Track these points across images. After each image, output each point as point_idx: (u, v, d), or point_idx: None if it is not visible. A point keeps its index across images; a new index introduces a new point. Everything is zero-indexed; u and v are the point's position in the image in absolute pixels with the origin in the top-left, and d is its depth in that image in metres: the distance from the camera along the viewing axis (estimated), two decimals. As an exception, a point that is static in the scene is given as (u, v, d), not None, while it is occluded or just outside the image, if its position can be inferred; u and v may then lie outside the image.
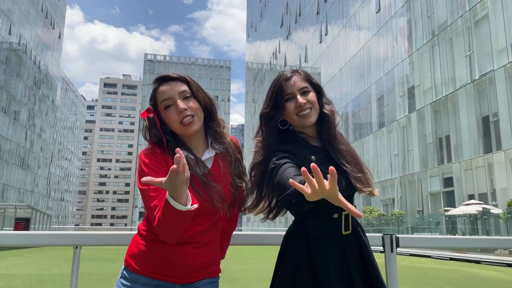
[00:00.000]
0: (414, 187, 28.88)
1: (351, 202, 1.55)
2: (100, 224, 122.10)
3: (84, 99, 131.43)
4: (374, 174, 34.34)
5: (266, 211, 1.63)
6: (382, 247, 2.24)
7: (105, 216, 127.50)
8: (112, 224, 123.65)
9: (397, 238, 2.24)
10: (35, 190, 64.47)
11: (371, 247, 1.60)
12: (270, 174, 1.43)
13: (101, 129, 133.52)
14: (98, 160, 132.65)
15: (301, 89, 1.55)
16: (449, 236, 2.33)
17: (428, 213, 26.78)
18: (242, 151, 1.67)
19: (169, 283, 1.44)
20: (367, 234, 1.63)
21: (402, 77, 31.28)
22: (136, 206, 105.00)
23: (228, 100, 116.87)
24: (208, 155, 1.53)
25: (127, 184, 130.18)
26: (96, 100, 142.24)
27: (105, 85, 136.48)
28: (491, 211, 19.82)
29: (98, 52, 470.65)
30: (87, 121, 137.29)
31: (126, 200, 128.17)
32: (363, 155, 36.61)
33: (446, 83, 26.06)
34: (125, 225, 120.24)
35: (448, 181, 25.55)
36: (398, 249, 2.22)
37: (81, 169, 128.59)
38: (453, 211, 21.53)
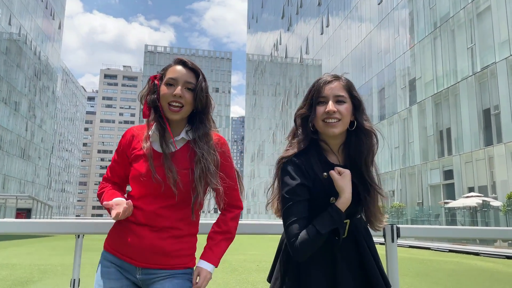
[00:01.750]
0: (414, 180, 28.92)
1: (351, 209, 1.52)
2: (101, 215, 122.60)
3: (85, 90, 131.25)
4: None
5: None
6: (383, 238, 2.26)
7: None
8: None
9: (398, 229, 2.26)
10: (36, 181, 64.64)
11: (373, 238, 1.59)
12: (282, 200, 1.47)
13: (101, 121, 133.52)
14: (99, 151, 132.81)
15: (336, 97, 1.49)
16: (449, 227, 2.35)
17: (428, 206, 26.85)
18: (228, 159, 1.66)
19: (129, 264, 1.53)
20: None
21: (403, 69, 31.17)
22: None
23: (229, 92, 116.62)
24: (183, 136, 1.60)
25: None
26: (97, 91, 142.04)
27: (106, 76, 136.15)
28: (491, 203, 19.87)
29: (98, 43, 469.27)
30: (88, 112, 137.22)
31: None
32: (364, 148, 36.59)
33: (448, 75, 25.97)
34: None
35: (448, 174, 25.58)
36: (398, 240, 2.23)
37: (82, 160, 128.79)
38: (453, 204, 21.58)
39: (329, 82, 1.50)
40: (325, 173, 1.46)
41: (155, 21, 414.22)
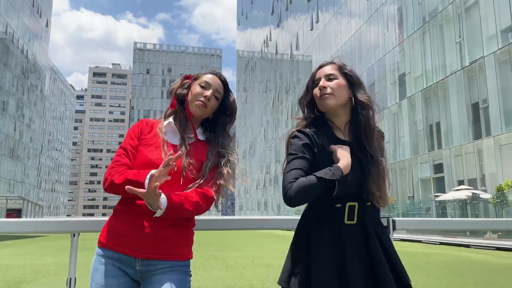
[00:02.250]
0: (405, 174, 29.18)
1: (357, 198, 1.56)
2: (92, 215, 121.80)
3: (73, 88, 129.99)
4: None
5: None
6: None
7: (97, 207, 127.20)
8: (104, 214, 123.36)
9: (393, 221, 2.28)
10: (25, 181, 63.98)
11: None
12: (287, 158, 1.58)
13: (91, 119, 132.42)
14: (89, 150, 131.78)
15: (327, 75, 1.63)
16: (443, 219, 2.38)
17: (418, 199, 27.12)
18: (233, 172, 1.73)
19: (128, 257, 1.51)
20: None
21: (393, 64, 31.36)
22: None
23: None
24: (199, 133, 1.74)
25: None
26: (86, 90, 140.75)
27: (94, 74, 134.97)
28: (481, 196, 20.15)
29: (86, 41, 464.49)
30: (77, 111, 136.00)
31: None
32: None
33: (437, 70, 26.20)
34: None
35: (438, 167, 25.85)
36: (394, 233, 2.26)
37: (72, 160, 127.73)
38: (443, 197, 21.84)
39: (322, 66, 1.66)
40: (332, 145, 1.55)
41: (144, 18, 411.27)
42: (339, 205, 1.52)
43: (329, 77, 1.61)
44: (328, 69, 1.64)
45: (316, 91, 1.62)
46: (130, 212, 1.55)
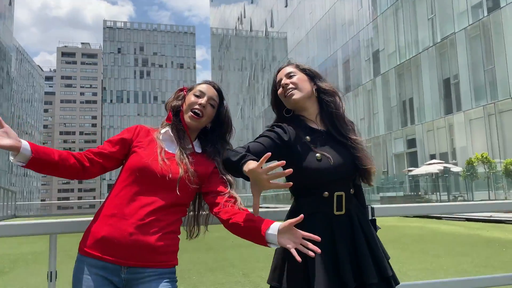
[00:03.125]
0: (380, 149, 29.81)
1: (353, 184, 1.63)
2: (67, 198, 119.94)
3: (41, 69, 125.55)
4: (341, 138, 35.10)
5: None
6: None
7: (72, 190, 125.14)
8: (80, 198, 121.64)
9: (372, 209, 2.35)
10: (-5, 167, 62.17)
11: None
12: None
13: (61, 101, 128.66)
14: (61, 133, 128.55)
15: (287, 74, 1.69)
16: (420, 204, 2.48)
17: (393, 174, 27.85)
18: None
19: (113, 265, 1.45)
20: None
21: (367, 41, 31.54)
22: (104, 179, 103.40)
23: (194, 67, 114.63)
24: (196, 146, 1.73)
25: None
26: (54, 71, 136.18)
27: (63, 54, 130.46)
28: (452, 169, 20.84)
29: (52, 19, 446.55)
30: (46, 93, 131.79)
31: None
32: (330, 120, 37.17)
33: (410, 46, 26.53)
34: (94, 198, 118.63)
35: (411, 142, 26.51)
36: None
37: (44, 143, 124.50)
38: (416, 171, 22.49)
39: (280, 69, 1.73)
40: (307, 137, 1.58)
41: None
42: (326, 194, 1.53)
43: (289, 75, 1.68)
44: (286, 70, 1.71)
45: (280, 91, 1.68)
46: (114, 217, 1.49)
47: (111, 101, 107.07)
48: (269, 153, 1.28)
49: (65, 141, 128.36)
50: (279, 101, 1.72)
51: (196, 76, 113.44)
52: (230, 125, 1.77)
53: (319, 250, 1.32)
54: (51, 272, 3.66)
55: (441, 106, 23.70)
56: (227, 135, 1.76)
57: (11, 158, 1.43)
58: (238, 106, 73.69)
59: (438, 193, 22.26)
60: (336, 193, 1.54)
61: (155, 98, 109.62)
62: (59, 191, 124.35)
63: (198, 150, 1.71)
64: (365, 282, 1.46)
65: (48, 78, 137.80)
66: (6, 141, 1.38)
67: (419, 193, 23.98)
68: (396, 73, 27.78)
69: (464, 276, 5.51)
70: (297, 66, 1.73)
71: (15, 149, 1.40)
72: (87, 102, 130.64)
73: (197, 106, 1.66)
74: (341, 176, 1.57)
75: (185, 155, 1.60)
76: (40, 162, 1.45)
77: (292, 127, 1.61)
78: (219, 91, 1.75)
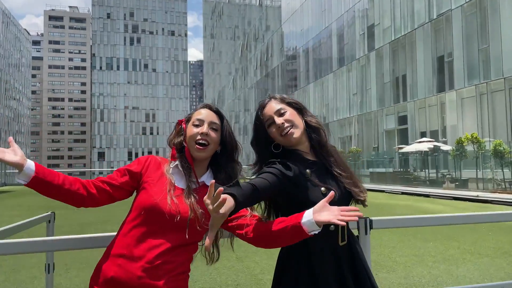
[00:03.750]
0: (371, 125, 29.95)
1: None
2: (57, 165, 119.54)
3: (28, 33, 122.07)
4: (333, 112, 35.16)
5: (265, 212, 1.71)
6: (356, 230, 2.41)
7: (62, 157, 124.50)
8: (70, 165, 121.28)
9: (370, 221, 2.41)
10: (-17, 133, 61.35)
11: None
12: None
13: (49, 66, 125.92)
14: (50, 99, 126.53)
15: (277, 111, 1.62)
16: (421, 216, 2.53)
17: (383, 150, 28.12)
18: None
19: None
20: None
21: (362, 15, 31.09)
22: (94, 147, 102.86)
23: (185, 35, 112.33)
24: (203, 180, 1.66)
25: (83, 124, 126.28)
26: (42, 35, 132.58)
27: (51, 18, 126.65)
28: (441, 148, 21.09)
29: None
30: (34, 58, 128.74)
31: (83, 141, 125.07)
32: (323, 95, 37.11)
33: (405, 22, 26.23)
34: (84, 165, 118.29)
35: (402, 119, 26.65)
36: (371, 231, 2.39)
37: (32, 109, 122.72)
38: (406, 149, 22.73)
39: (264, 106, 1.65)
40: (308, 170, 1.57)
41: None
42: (332, 227, 1.55)
43: (279, 113, 1.62)
44: (274, 105, 1.64)
45: (274, 131, 1.62)
46: (123, 258, 1.48)
47: (100, 68, 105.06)
48: (221, 189, 1.18)
49: (54, 108, 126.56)
50: (263, 138, 1.66)
51: (187, 43, 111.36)
52: (235, 142, 1.70)
53: (361, 214, 1.34)
54: (48, 264, 3.70)
55: (434, 83, 23.72)
56: (234, 154, 1.71)
57: (16, 176, 1.52)
58: (230, 76, 72.91)
59: (427, 171, 22.62)
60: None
61: (146, 66, 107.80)
62: (49, 157, 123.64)
63: (207, 182, 1.65)
64: None
65: (36, 43, 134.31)
66: (12, 158, 1.42)
67: (408, 169, 24.33)
68: (391, 48, 27.57)
69: (452, 263, 5.70)
70: (283, 100, 1.67)
71: (19, 167, 1.43)
72: (76, 68, 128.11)
73: (199, 137, 1.61)
74: (345, 203, 1.62)
75: (193, 194, 1.55)
76: (42, 182, 1.46)
77: (291, 162, 1.57)
78: (217, 112, 1.70)
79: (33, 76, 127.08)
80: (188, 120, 1.71)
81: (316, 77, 38.67)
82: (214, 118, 1.67)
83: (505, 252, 6.35)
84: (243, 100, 64.95)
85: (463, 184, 18.94)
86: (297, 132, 1.61)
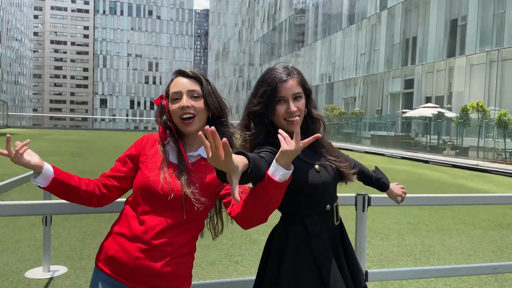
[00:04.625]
0: (376, 87, 29.55)
1: (336, 194, 1.64)
2: (59, 109, 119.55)
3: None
4: (339, 72, 34.61)
5: None
6: (354, 206, 2.37)
7: (64, 101, 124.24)
8: (72, 110, 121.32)
9: (369, 198, 2.37)
10: (-15, 73, 60.79)
11: (345, 204, 1.84)
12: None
13: (52, 8, 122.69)
14: (52, 42, 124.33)
15: (294, 95, 1.54)
16: (416, 195, 2.49)
17: (386, 113, 27.91)
18: None
19: (122, 285, 1.44)
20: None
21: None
22: (97, 93, 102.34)
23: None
24: (200, 153, 1.54)
25: (85, 69, 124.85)
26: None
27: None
28: (445, 114, 20.90)
29: None
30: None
31: (86, 86, 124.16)
32: (330, 53, 36.36)
33: (421, -20, 25.20)
34: (86, 111, 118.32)
35: (409, 83, 26.25)
36: (368, 205, 2.35)
37: (34, 51, 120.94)
38: (410, 113, 22.54)
39: (286, 81, 1.53)
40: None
41: None
42: (328, 207, 1.56)
43: (295, 96, 1.54)
44: (294, 86, 1.54)
45: (282, 111, 1.52)
46: (122, 236, 1.45)
47: (104, 12, 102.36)
48: (224, 139, 1.05)
49: (56, 51, 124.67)
50: (266, 109, 1.54)
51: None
52: (221, 104, 1.55)
53: (319, 135, 1.34)
54: (46, 217, 3.72)
55: (444, 48, 23.13)
56: (223, 116, 1.57)
57: (32, 179, 1.43)
58: (237, 27, 71.16)
59: (428, 136, 22.56)
60: (335, 204, 1.59)
61: (150, 13, 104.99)
62: (51, 101, 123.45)
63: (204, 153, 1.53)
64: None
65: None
66: (32, 159, 1.40)
67: (410, 134, 24.26)
68: (403, 8, 26.64)
69: (445, 233, 5.77)
70: (302, 83, 1.57)
71: (38, 169, 1.40)
72: (79, 11, 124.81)
73: (181, 112, 1.48)
74: (336, 186, 1.61)
75: (184, 174, 1.45)
76: (61, 185, 1.45)
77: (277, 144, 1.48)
78: (194, 77, 1.53)
79: (35, 17, 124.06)
80: (167, 94, 1.56)
81: (324, 34, 37.69)
82: (191, 85, 1.51)
83: (499, 224, 6.41)
84: (248, 54, 63.78)
85: (463, 152, 18.93)
86: (299, 123, 1.54)
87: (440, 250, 5.00)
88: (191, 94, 1.50)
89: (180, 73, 1.55)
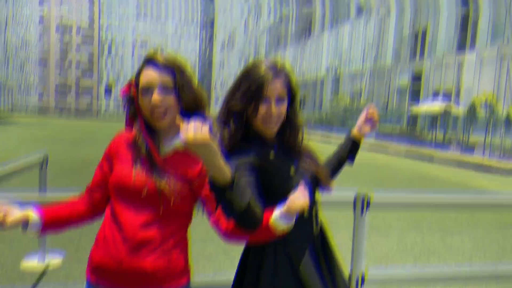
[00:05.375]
0: (383, 80, 29.27)
1: (314, 200, 1.55)
2: (65, 96, 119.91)
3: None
4: (346, 63, 34.30)
5: None
6: (352, 209, 2.26)
7: (70, 88, 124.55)
8: (77, 97, 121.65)
9: (368, 201, 2.23)
10: (-9, 58, 60.91)
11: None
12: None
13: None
14: (57, 28, 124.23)
15: (278, 97, 1.44)
16: (421, 195, 2.39)
17: (392, 107, 27.68)
18: None
19: None
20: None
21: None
22: (102, 81, 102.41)
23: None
24: (175, 141, 1.40)
25: (91, 56, 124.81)
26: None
27: None
28: (453, 109, 20.67)
29: None
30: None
31: (91, 73, 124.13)
32: (338, 44, 36.02)
33: (433, -29, 24.78)
34: (91, 98, 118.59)
35: (417, 76, 25.95)
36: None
37: (40, 36, 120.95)
38: (417, 107, 22.32)
39: (272, 80, 1.42)
40: (271, 154, 1.46)
41: None
42: (306, 215, 1.47)
43: (279, 98, 1.43)
44: (280, 88, 1.43)
45: (263, 112, 1.42)
46: (105, 240, 1.37)
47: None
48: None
49: (61, 37, 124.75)
50: (247, 105, 1.44)
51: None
52: (197, 98, 1.41)
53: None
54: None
55: (454, 41, 22.81)
56: (199, 110, 1.42)
57: (22, 231, 1.37)
58: (242, 17, 70.68)
59: (435, 131, 22.35)
60: (314, 209, 1.51)
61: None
62: (56, 88, 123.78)
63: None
64: None
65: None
66: (15, 217, 1.32)
67: (416, 129, 24.04)
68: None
69: (446, 233, 5.67)
70: (287, 82, 1.46)
71: (26, 221, 1.35)
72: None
73: (151, 108, 1.35)
74: (314, 192, 1.53)
75: (155, 168, 1.36)
76: (53, 226, 1.41)
77: (256, 147, 1.45)
78: (166, 66, 1.37)
79: (41, 2, 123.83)
80: (137, 83, 1.40)
81: (332, 24, 37.30)
82: (163, 77, 1.36)
83: (502, 224, 6.31)
84: (253, 44, 63.43)
85: (469, 148, 18.73)
86: (276, 128, 1.48)
87: (441, 249, 4.91)
88: (163, 88, 1.35)
89: (151, 61, 1.39)
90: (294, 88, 1.50)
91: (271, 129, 1.46)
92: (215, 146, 1.12)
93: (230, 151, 1.41)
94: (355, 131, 1.80)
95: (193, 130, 1.07)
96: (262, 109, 1.42)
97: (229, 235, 1.33)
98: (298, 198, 1.24)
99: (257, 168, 1.39)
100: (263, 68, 1.43)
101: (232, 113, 1.47)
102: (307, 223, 1.49)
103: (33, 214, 1.35)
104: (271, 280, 1.43)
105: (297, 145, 1.53)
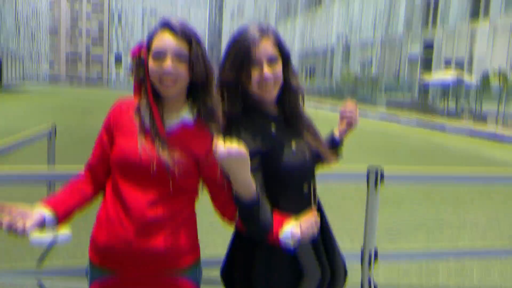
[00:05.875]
0: (394, 50, 28.66)
1: (314, 175, 1.49)
2: (75, 62, 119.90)
3: None
4: (356, 33, 33.55)
5: None
6: (366, 183, 2.22)
7: (80, 58, 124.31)
8: (87, 66, 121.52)
9: (382, 173, 2.17)
10: (2, 27, 60.73)
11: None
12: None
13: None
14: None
15: (270, 58, 1.36)
16: (437, 174, 2.34)
17: (404, 77, 27.20)
18: None
19: (123, 275, 1.32)
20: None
21: None
22: (112, 50, 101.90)
23: None
24: (186, 116, 1.36)
25: (101, 26, 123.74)
26: None
27: None
28: (465, 79, 20.26)
29: None
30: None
31: (101, 43, 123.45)
32: (348, 12, 35.15)
33: None
34: (101, 68, 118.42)
35: (428, 46, 25.37)
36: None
37: (51, 5, 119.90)
38: (428, 77, 21.92)
39: (258, 42, 1.35)
40: (272, 126, 1.41)
41: None
42: (306, 188, 1.41)
43: (270, 60, 1.35)
44: (269, 48, 1.36)
45: (256, 77, 1.35)
46: (110, 221, 1.30)
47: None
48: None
49: (71, 7, 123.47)
50: (239, 75, 1.37)
51: None
52: (207, 72, 1.34)
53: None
54: (49, 183, 3.70)
55: (467, 9, 22.11)
56: (208, 86, 1.36)
57: (39, 229, 1.29)
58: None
59: (446, 102, 22.02)
60: (312, 186, 1.44)
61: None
62: (67, 59, 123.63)
63: (190, 118, 1.36)
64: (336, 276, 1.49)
65: None
66: (32, 221, 1.22)
67: (428, 99, 23.68)
68: (428, -35, 25.37)
69: (460, 204, 5.62)
70: (277, 43, 1.39)
71: (41, 223, 1.26)
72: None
73: (162, 75, 1.28)
74: (313, 167, 1.47)
75: (161, 138, 1.30)
76: (68, 217, 1.34)
77: (255, 118, 1.39)
78: (184, 34, 1.30)
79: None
80: (148, 45, 1.33)
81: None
82: (179, 45, 1.29)
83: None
84: (263, 12, 62.25)
85: (482, 118, 18.45)
86: (276, 91, 1.40)
87: (456, 221, 4.87)
88: (177, 55, 1.29)
89: (168, 27, 1.32)
90: (285, 47, 1.42)
91: (269, 93, 1.38)
92: (248, 163, 1.17)
93: (229, 126, 1.36)
94: (335, 130, 1.72)
95: (227, 146, 1.12)
96: (255, 72, 1.35)
97: (233, 222, 1.33)
98: (312, 227, 1.24)
99: (259, 150, 1.33)
100: (249, 31, 1.36)
101: (226, 85, 1.39)
102: (305, 198, 1.43)
103: (46, 211, 1.27)
104: (266, 258, 1.37)
105: (298, 110, 1.47)
